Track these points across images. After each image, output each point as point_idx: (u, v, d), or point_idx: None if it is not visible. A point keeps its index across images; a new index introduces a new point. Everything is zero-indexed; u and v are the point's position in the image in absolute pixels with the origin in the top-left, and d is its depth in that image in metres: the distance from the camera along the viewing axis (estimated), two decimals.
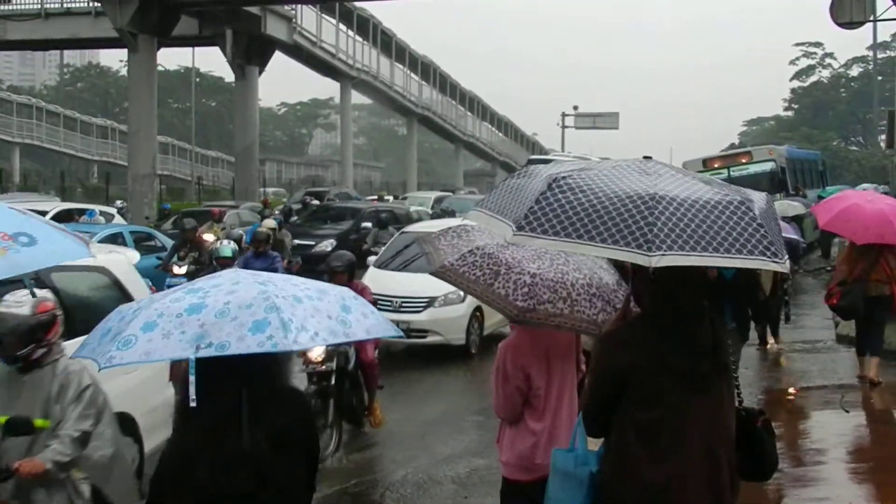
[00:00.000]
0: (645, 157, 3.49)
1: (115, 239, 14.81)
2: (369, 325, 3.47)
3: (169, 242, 15.92)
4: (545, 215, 3.14)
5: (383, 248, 14.62)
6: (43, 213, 15.85)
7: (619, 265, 4.34)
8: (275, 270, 10.42)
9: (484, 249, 4.38)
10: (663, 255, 2.96)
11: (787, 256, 3.22)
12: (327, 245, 20.10)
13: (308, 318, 3.20)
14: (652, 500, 3.33)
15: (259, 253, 11.86)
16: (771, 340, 12.45)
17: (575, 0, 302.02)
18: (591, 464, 3.53)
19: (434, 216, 25.10)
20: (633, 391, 3.35)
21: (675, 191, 3.19)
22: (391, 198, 35.70)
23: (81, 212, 19.48)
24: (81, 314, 6.15)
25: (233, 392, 3.24)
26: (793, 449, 8.22)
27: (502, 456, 4.56)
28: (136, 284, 6.80)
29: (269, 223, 16.07)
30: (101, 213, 20.14)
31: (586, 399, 3.57)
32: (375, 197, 36.40)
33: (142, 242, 16.46)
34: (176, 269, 13.04)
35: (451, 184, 61.44)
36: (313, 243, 20.29)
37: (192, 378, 3.04)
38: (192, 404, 3.05)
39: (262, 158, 52.04)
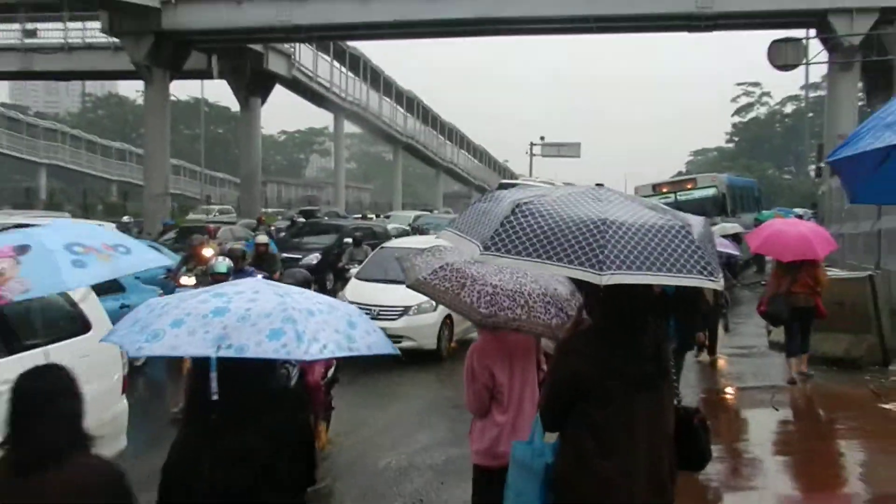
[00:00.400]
0: (597, 185, 3.54)
1: None
2: (372, 341, 3.41)
3: (172, 255, 15.38)
4: (509, 237, 3.17)
5: (362, 264, 14.61)
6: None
7: (573, 278, 4.36)
8: None
9: (453, 265, 4.50)
10: (612, 274, 3.00)
11: (721, 275, 3.23)
12: (313, 258, 19.80)
13: (319, 331, 3.16)
14: (603, 491, 3.34)
15: (236, 270, 10.88)
16: (703, 354, 11.97)
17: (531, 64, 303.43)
18: (546, 455, 3.53)
19: (403, 234, 24.93)
20: (586, 393, 3.38)
21: (623, 216, 3.22)
22: (373, 216, 35.70)
23: None
24: (26, 332, 5.85)
25: (238, 392, 3.19)
26: (728, 443, 8.23)
27: (472, 445, 4.66)
28: (92, 304, 6.55)
29: (262, 238, 15.57)
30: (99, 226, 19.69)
31: (543, 398, 3.59)
32: (360, 216, 36.33)
33: None
34: (183, 280, 12.80)
35: (432, 204, 61.49)
36: (300, 256, 19.88)
37: (213, 374, 3.03)
38: (215, 397, 3.03)
39: (264, 180, 51.94)
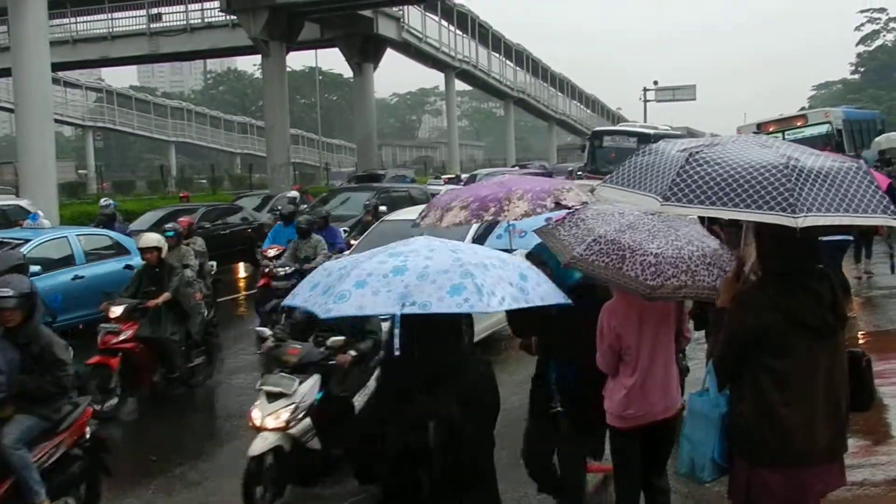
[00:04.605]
0: (755, 132, 3.38)
1: (62, 243, 11.56)
2: (543, 292, 3.43)
3: (128, 241, 12.34)
4: (688, 186, 3.13)
5: (356, 243, 11.69)
6: None
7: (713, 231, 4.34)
8: None
9: (605, 237, 4.20)
10: (807, 216, 2.94)
11: None
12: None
13: (496, 284, 3.18)
14: (785, 439, 3.32)
15: None
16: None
17: None
18: (721, 406, 3.49)
19: None
20: (768, 345, 3.31)
21: (802, 160, 3.12)
22: (455, 174, 35.07)
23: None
24: None
25: (430, 357, 3.21)
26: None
27: (604, 404, 4.58)
28: None
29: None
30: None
31: (721, 352, 3.51)
32: (450, 176, 36.01)
33: (96, 245, 12.19)
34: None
35: (546, 157, 60.91)
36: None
37: (397, 331, 3.09)
38: (397, 352, 3.08)
39: (379, 144, 52.41)
